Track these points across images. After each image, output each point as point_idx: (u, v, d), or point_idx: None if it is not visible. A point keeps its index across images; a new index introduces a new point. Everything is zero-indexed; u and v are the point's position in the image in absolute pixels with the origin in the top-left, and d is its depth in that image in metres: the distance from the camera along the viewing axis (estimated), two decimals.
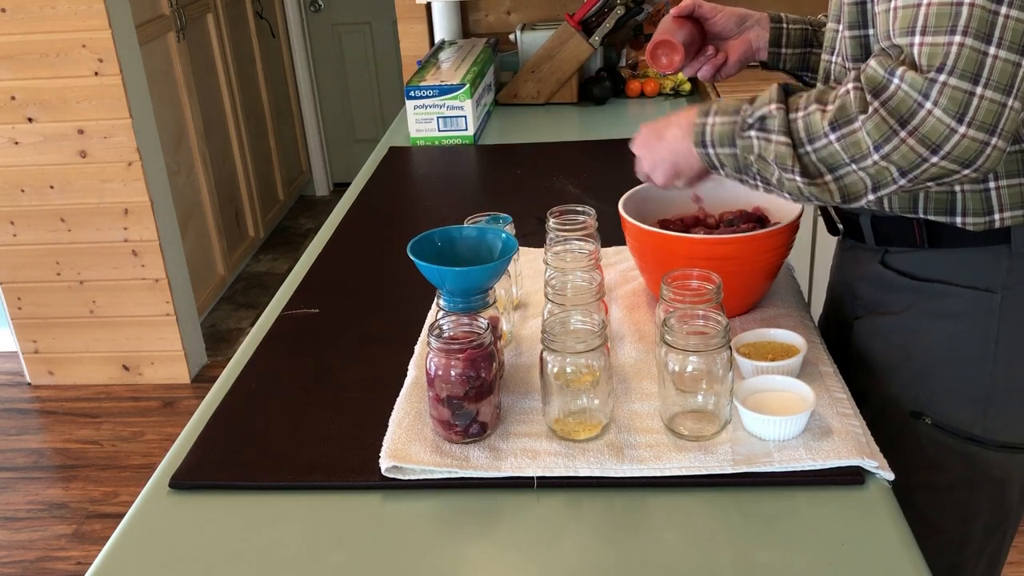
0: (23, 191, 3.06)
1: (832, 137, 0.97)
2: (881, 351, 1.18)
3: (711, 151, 1.07)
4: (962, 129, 0.90)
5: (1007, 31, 0.89)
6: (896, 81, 0.93)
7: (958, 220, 1.08)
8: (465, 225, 1.22)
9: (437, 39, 2.63)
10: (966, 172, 0.93)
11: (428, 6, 2.66)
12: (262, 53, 4.43)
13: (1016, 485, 1.20)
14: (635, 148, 1.19)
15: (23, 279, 3.19)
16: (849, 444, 0.98)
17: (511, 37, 2.54)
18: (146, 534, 0.98)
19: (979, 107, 0.89)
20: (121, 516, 1.03)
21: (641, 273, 1.32)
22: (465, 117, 2.11)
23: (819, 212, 1.29)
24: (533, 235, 1.44)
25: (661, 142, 1.14)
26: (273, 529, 0.96)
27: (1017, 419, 1.15)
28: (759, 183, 1.05)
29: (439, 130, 2.14)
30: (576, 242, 1.20)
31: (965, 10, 0.89)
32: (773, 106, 1.02)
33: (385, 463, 1.00)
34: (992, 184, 1.06)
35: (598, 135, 2.15)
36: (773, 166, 1.01)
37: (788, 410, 1.01)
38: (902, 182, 0.95)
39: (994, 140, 0.91)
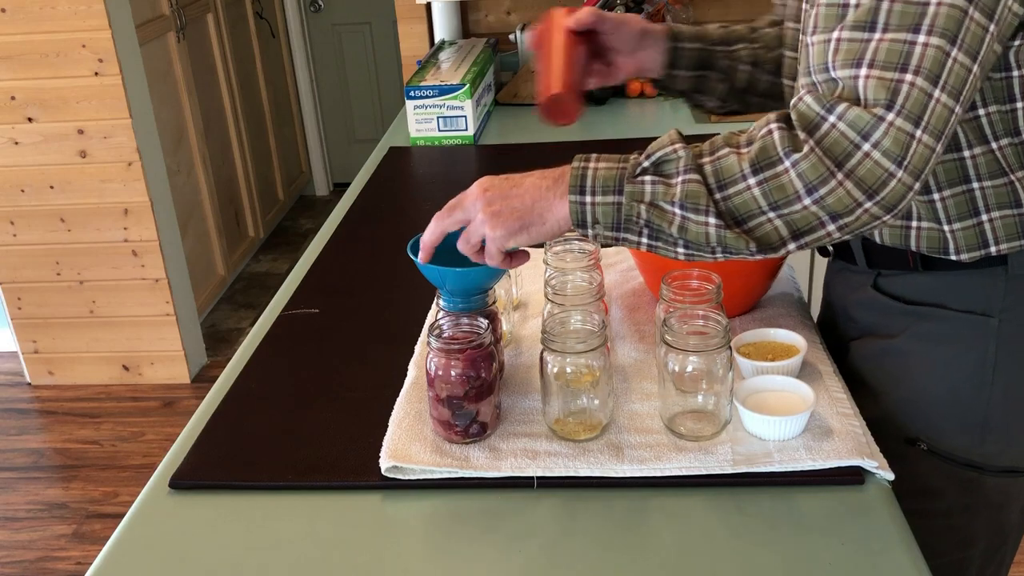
0: (23, 191, 3.06)
1: (752, 181, 0.89)
2: (876, 374, 1.15)
3: (588, 199, 0.93)
4: (900, 174, 0.85)
5: (952, 75, 0.86)
6: (832, 119, 0.87)
7: (952, 257, 1.05)
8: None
9: (437, 39, 2.63)
10: (886, 218, 0.88)
11: (428, 6, 2.66)
12: (262, 53, 4.43)
13: (1015, 508, 1.17)
14: (466, 196, 0.99)
15: (23, 279, 3.19)
16: (849, 444, 0.98)
17: (511, 37, 2.54)
18: (146, 534, 0.98)
19: (916, 151, 0.85)
20: (121, 516, 1.03)
21: (641, 273, 1.32)
22: (465, 117, 2.11)
23: None
24: None
25: (515, 188, 0.97)
26: (273, 529, 0.96)
27: (1016, 443, 1.12)
28: (643, 238, 0.94)
29: (439, 130, 2.14)
30: (576, 242, 1.21)
31: (919, 49, 0.86)
32: (678, 146, 0.93)
33: (385, 463, 1.00)
34: (984, 217, 1.02)
35: (598, 135, 2.15)
36: (674, 211, 0.91)
37: (788, 410, 1.01)
38: (831, 228, 0.89)
39: (916, 185, 0.87)
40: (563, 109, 1.09)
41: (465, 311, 1.08)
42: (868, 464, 0.96)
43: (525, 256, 1.02)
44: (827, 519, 0.92)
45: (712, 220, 0.90)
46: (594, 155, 0.96)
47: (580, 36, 1.15)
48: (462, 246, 1.00)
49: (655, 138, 0.96)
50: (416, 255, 1.08)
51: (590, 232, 0.95)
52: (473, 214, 0.98)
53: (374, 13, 4.69)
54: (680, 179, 0.91)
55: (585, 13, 1.15)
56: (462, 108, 2.10)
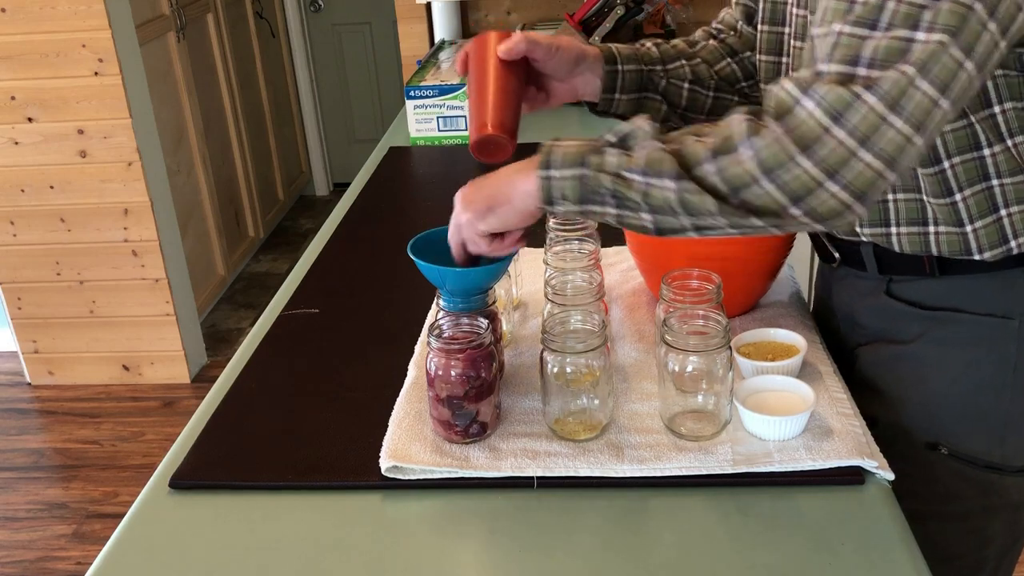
0: (23, 191, 3.06)
1: (710, 167, 0.88)
2: (890, 380, 1.14)
3: (555, 173, 0.94)
4: (866, 156, 0.83)
5: (942, 68, 0.84)
6: (806, 101, 0.85)
7: (975, 256, 1.04)
8: None
9: (437, 39, 2.63)
10: (856, 207, 0.85)
11: (428, 6, 2.66)
12: (262, 53, 4.43)
13: None
14: (457, 195, 1.03)
15: (23, 279, 3.19)
16: (849, 444, 0.98)
17: None
18: (146, 534, 0.98)
19: (886, 136, 0.83)
20: (121, 516, 1.03)
21: (641, 273, 1.32)
22: (465, 117, 2.11)
23: (810, 238, 1.23)
24: (533, 235, 1.44)
25: (487, 178, 1.00)
26: (273, 529, 0.96)
27: None
28: (608, 208, 0.93)
29: (439, 130, 2.14)
30: (576, 242, 1.21)
31: (918, 46, 0.84)
32: (642, 122, 0.93)
33: (385, 463, 1.00)
34: (1003, 212, 1.02)
35: (598, 135, 2.15)
36: (636, 178, 0.90)
37: (788, 410, 1.01)
38: (794, 211, 0.87)
39: (889, 175, 0.84)
40: (497, 147, 1.06)
41: (465, 311, 1.08)
42: (868, 464, 0.96)
43: (514, 237, 1.02)
44: (827, 519, 0.92)
45: (672, 184, 0.89)
46: (565, 138, 0.97)
47: (513, 64, 1.11)
48: (451, 239, 1.04)
49: None
50: (416, 255, 1.08)
51: (559, 209, 0.95)
52: (455, 211, 1.03)
53: (374, 13, 4.69)
54: (644, 149, 0.91)
55: (516, 42, 1.10)
56: (462, 108, 2.10)
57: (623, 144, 0.94)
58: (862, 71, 0.85)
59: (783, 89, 0.88)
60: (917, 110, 0.84)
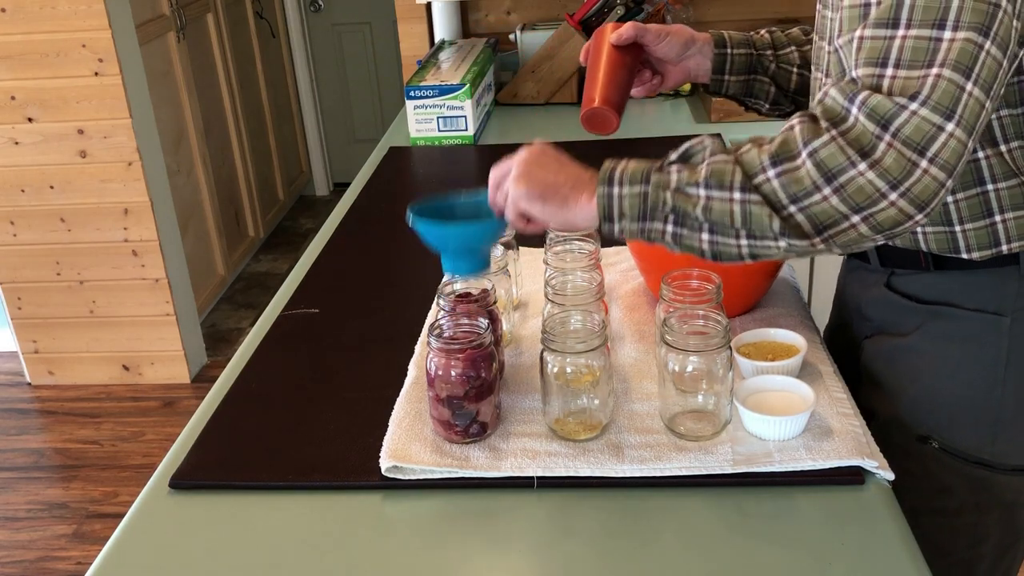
0: (23, 191, 3.06)
1: (771, 173, 0.88)
2: (888, 372, 1.15)
3: (615, 191, 0.95)
4: (924, 164, 0.83)
5: (984, 68, 0.84)
6: (855, 111, 0.86)
7: (964, 255, 1.05)
8: (464, 193, 1.20)
9: (437, 39, 2.63)
10: (919, 217, 0.86)
11: (428, 6, 2.66)
12: (262, 53, 4.42)
13: None
14: (515, 156, 1.03)
15: (23, 279, 3.19)
16: (849, 444, 0.98)
17: (511, 37, 2.54)
18: (146, 534, 0.98)
19: (945, 145, 0.83)
20: (121, 516, 1.03)
21: (641, 273, 1.32)
22: (465, 117, 2.11)
23: None
24: (533, 235, 1.44)
25: (557, 163, 1.01)
26: (273, 529, 0.96)
27: None
28: (668, 225, 0.93)
29: (439, 130, 2.14)
30: (576, 242, 1.21)
31: (945, 44, 0.84)
32: (704, 138, 0.95)
33: (385, 463, 1.00)
34: (998, 218, 1.02)
35: (598, 135, 2.15)
36: (699, 193, 0.91)
37: (788, 410, 1.01)
38: (855, 220, 0.87)
39: (948, 182, 0.85)
40: (602, 120, 1.15)
41: (471, 274, 1.07)
42: (868, 464, 0.96)
43: (540, 226, 1.04)
44: (827, 519, 0.92)
45: (737, 195, 0.90)
46: (627, 158, 0.98)
47: (625, 50, 1.20)
48: (491, 187, 1.05)
49: (656, 139, 0.96)
50: (417, 223, 1.06)
51: (616, 227, 0.96)
52: (511, 166, 1.03)
53: (374, 13, 4.69)
54: (709, 161, 0.92)
55: (626, 28, 1.20)
56: (462, 108, 2.10)
57: (685, 160, 0.95)
58: (889, 71, 0.86)
59: (829, 96, 0.89)
60: (970, 115, 0.84)
